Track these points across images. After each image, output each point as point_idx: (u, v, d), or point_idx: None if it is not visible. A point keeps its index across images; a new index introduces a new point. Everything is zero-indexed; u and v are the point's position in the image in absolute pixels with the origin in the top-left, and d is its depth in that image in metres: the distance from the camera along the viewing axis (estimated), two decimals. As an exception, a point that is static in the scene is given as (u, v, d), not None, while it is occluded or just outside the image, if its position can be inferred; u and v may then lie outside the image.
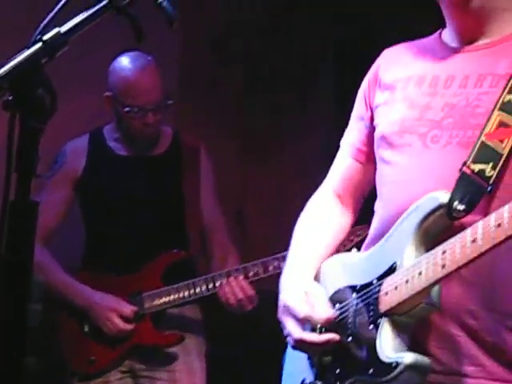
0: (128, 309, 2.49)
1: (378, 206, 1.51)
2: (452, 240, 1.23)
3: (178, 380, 2.57)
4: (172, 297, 2.52)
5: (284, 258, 1.64)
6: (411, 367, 1.25)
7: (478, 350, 1.30)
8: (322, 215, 1.63)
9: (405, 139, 1.44)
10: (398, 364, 1.25)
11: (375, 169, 1.55)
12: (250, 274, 2.50)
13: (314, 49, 3.91)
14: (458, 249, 1.22)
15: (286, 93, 3.78)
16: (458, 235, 1.23)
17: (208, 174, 2.71)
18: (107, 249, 2.58)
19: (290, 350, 1.53)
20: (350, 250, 1.61)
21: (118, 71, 2.52)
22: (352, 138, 1.63)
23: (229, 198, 3.14)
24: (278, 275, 1.58)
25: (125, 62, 2.50)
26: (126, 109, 2.49)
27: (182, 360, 2.58)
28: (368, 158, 1.58)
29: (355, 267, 1.48)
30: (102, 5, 1.07)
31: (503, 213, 1.16)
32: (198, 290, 2.50)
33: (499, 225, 1.15)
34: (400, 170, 1.44)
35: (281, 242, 1.83)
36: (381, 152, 1.50)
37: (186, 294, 2.51)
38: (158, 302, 2.53)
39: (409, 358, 1.25)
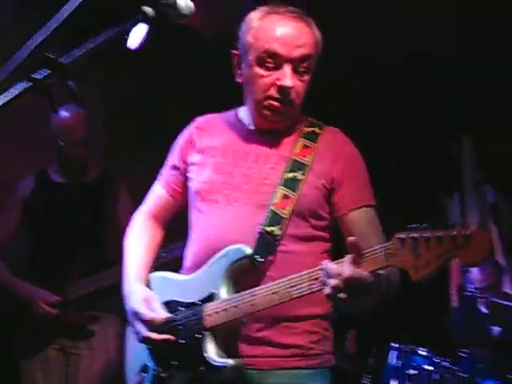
0: (53, 298, 3.18)
1: (192, 243, 1.96)
2: (261, 288, 1.72)
3: (97, 356, 3.24)
4: (91, 287, 3.20)
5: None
6: (232, 368, 1.75)
7: (260, 341, 1.81)
8: (144, 233, 2.09)
9: (213, 196, 1.90)
10: (224, 366, 1.74)
11: (180, 205, 2.04)
12: None
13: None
14: (264, 296, 1.71)
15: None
16: (265, 286, 1.72)
17: (127, 201, 3.40)
18: (43, 252, 3.31)
19: (133, 340, 1.94)
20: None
21: (56, 117, 3.31)
22: (169, 178, 2.05)
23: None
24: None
25: (62, 111, 3.33)
26: (61, 143, 3.32)
27: (100, 338, 3.26)
28: (178, 196, 2.05)
29: (179, 286, 1.91)
30: (24, 87, 1.30)
31: (301, 278, 1.66)
32: (110, 281, 3.11)
33: (293, 286, 1.67)
34: (210, 220, 1.90)
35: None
36: (196, 203, 1.95)
37: (102, 284, 3.18)
38: (79, 291, 3.21)
39: (231, 361, 1.75)
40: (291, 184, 1.87)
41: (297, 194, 1.86)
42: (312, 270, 1.66)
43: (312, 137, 1.96)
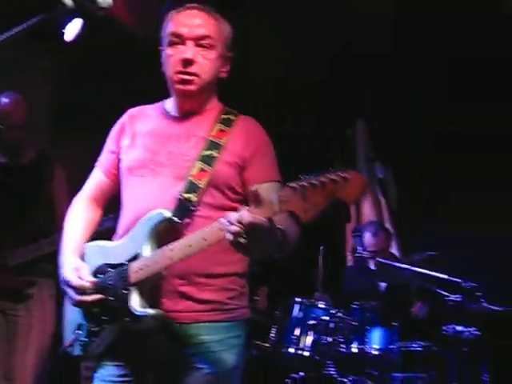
0: None
1: (124, 212, 2.17)
2: (177, 242, 1.90)
3: (34, 316, 3.50)
4: (29, 255, 3.46)
5: None
6: (153, 317, 1.94)
7: (182, 297, 2.00)
8: (82, 213, 2.29)
9: (141, 172, 2.14)
10: (145, 315, 1.94)
11: (117, 186, 2.25)
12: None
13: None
14: (180, 249, 1.89)
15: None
16: (181, 240, 1.90)
17: (61, 180, 3.69)
18: None
19: (68, 305, 2.13)
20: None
21: None
22: (106, 163, 2.29)
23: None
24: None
25: (1, 97, 3.62)
26: (1, 127, 3.59)
27: (37, 299, 3.52)
28: (114, 178, 2.27)
29: (110, 251, 2.10)
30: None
31: (210, 229, 1.82)
32: (46, 250, 3.42)
33: (205, 238, 1.84)
34: (138, 192, 2.12)
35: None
36: (126, 178, 2.19)
37: (39, 253, 3.45)
38: (19, 259, 3.46)
39: (151, 311, 1.94)
40: (207, 160, 2.08)
41: (212, 168, 2.07)
42: (219, 221, 1.79)
43: (227, 123, 2.20)
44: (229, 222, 1.72)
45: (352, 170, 1.61)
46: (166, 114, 2.26)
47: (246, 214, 1.69)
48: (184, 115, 2.23)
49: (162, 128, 2.21)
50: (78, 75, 4.70)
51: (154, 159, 2.14)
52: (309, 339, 3.80)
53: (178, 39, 2.16)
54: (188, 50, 2.13)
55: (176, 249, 1.90)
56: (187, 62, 2.13)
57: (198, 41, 2.15)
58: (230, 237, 1.71)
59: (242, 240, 1.70)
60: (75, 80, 4.69)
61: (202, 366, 2.00)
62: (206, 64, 2.16)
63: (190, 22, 2.17)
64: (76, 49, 3.60)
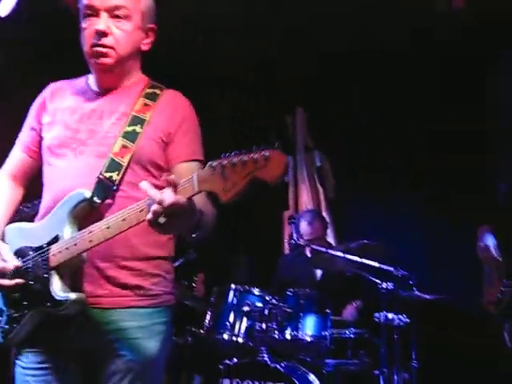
0: None
1: (44, 193, 2.09)
2: (96, 224, 1.84)
3: None
4: None
5: None
6: (74, 301, 1.88)
7: (105, 281, 1.96)
8: (2, 192, 2.19)
9: (62, 151, 2.05)
10: (66, 300, 1.88)
11: (39, 164, 2.15)
12: None
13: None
14: (99, 231, 1.83)
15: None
16: (101, 222, 1.83)
17: None
18: None
19: None
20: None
21: None
22: (26, 140, 2.19)
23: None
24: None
25: None
26: None
27: None
28: (36, 156, 2.17)
29: (30, 233, 2.04)
30: None
31: (129, 210, 1.77)
32: None
33: (124, 219, 1.79)
34: (59, 172, 2.04)
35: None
36: (47, 157, 2.09)
37: None
38: None
39: (72, 295, 1.89)
40: (130, 136, 2.01)
41: (135, 144, 2.00)
42: (139, 202, 1.76)
43: (152, 97, 2.13)
44: (150, 202, 1.68)
45: (273, 149, 1.57)
46: (89, 89, 2.17)
47: (167, 195, 1.65)
48: (106, 90, 2.15)
49: (83, 104, 2.13)
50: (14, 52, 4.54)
51: (75, 137, 2.06)
52: (243, 326, 3.82)
53: (92, 11, 2.07)
54: (101, 22, 2.05)
55: (95, 231, 1.84)
56: (100, 34, 2.04)
57: (112, 11, 2.06)
58: (149, 216, 1.67)
59: (160, 220, 1.67)
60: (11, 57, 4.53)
61: (123, 353, 1.97)
62: (121, 35, 2.07)
63: None
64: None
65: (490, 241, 3.42)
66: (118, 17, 2.06)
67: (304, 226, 4.66)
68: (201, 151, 2.14)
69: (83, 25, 2.09)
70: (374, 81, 5.26)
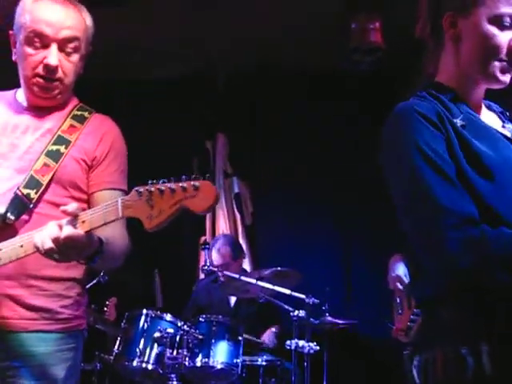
0: None
1: None
2: (8, 242, 1.78)
3: None
4: None
5: None
6: None
7: (12, 302, 1.87)
8: None
9: None
10: None
11: None
12: None
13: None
14: (10, 249, 1.77)
15: None
16: (13, 239, 1.78)
17: None
18: None
19: None
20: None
21: None
22: None
23: None
24: None
25: None
26: None
27: None
28: None
29: None
30: None
31: (26, 240, 1.75)
32: None
33: (21, 246, 1.75)
34: None
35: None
36: None
37: None
38: None
39: None
40: (53, 155, 1.97)
41: (57, 164, 1.96)
42: (35, 236, 1.72)
43: (80, 119, 2.09)
44: (43, 239, 1.65)
45: (204, 180, 1.56)
46: (16, 104, 2.12)
47: (65, 231, 1.62)
48: (34, 107, 2.10)
49: (7, 118, 2.07)
50: None
51: None
52: (153, 352, 3.74)
53: (40, 39, 1.99)
54: (52, 56, 1.98)
55: (6, 250, 1.78)
56: (50, 69, 1.99)
57: (64, 43, 2.00)
58: (42, 252, 1.66)
59: (55, 255, 1.66)
60: None
61: (26, 382, 1.87)
62: (69, 68, 2.03)
63: (55, 19, 1.98)
64: None
65: (402, 270, 3.49)
66: (68, 50, 2.00)
67: (214, 252, 4.65)
68: (124, 181, 2.10)
69: (28, 50, 1.99)
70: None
